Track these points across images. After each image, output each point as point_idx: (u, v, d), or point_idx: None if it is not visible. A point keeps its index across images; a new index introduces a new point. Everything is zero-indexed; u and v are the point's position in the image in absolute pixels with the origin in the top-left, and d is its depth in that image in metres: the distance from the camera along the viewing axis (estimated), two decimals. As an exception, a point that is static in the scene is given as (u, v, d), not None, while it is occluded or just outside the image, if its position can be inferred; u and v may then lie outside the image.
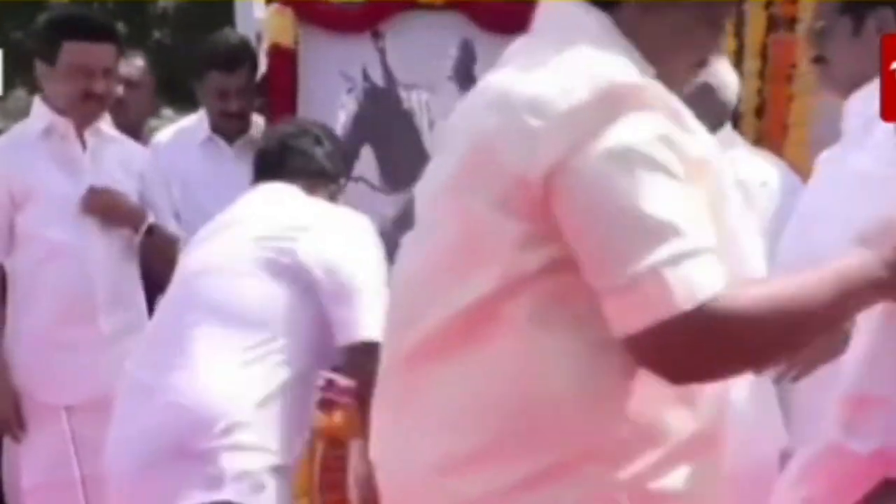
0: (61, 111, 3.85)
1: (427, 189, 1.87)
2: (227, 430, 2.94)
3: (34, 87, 4.43)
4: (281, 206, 3.23)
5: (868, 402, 1.98)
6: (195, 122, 4.54)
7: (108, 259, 3.91)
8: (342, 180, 3.44)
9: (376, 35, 4.40)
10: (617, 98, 1.66)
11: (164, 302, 3.32)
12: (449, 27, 4.38)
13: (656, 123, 1.66)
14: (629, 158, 1.63)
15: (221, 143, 4.46)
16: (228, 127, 4.45)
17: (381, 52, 4.40)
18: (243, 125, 4.46)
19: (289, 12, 4.37)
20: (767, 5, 4.34)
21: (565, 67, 1.70)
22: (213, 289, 3.10)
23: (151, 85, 4.77)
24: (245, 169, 4.38)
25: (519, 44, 1.84)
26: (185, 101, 10.49)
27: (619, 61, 1.71)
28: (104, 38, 3.87)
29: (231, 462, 2.95)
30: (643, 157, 1.64)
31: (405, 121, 4.42)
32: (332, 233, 3.15)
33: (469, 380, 1.73)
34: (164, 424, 2.98)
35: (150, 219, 3.98)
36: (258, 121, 4.48)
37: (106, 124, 3.99)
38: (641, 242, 1.62)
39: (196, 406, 2.96)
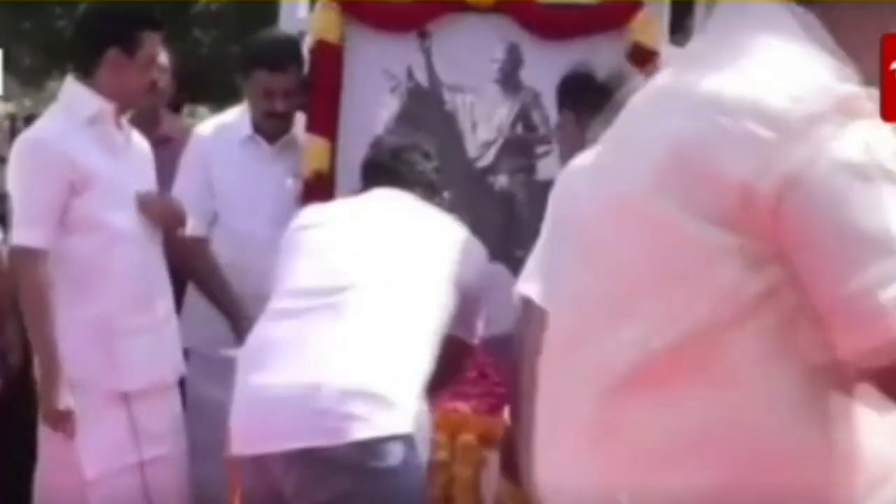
0: (110, 98, 3.85)
1: (589, 202, 1.77)
2: None
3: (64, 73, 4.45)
4: None
5: None
6: (237, 117, 4.51)
7: (157, 243, 3.97)
8: (445, 194, 3.61)
9: (422, 35, 4.34)
10: (848, 108, 1.59)
11: None
12: (496, 30, 4.31)
13: (883, 134, 1.60)
14: (866, 170, 1.56)
15: (262, 142, 4.44)
16: (271, 127, 4.42)
17: (427, 53, 4.35)
18: (286, 125, 4.44)
19: (335, 8, 4.33)
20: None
21: (785, 72, 1.62)
22: None
23: (172, 71, 4.89)
24: (282, 169, 4.39)
25: (702, 43, 1.76)
26: (220, 100, 10.52)
27: (836, 67, 1.64)
28: (161, 29, 3.94)
29: None
30: (880, 168, 1.57)
31: (448, 122, 4.37)
32: None
33: (678, 419, 1.63)
34: None
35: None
36: (299, 118, 4.46)
37: None
38: (890, 255, 1.55)
39: None
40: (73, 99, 3.87)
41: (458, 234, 3.45)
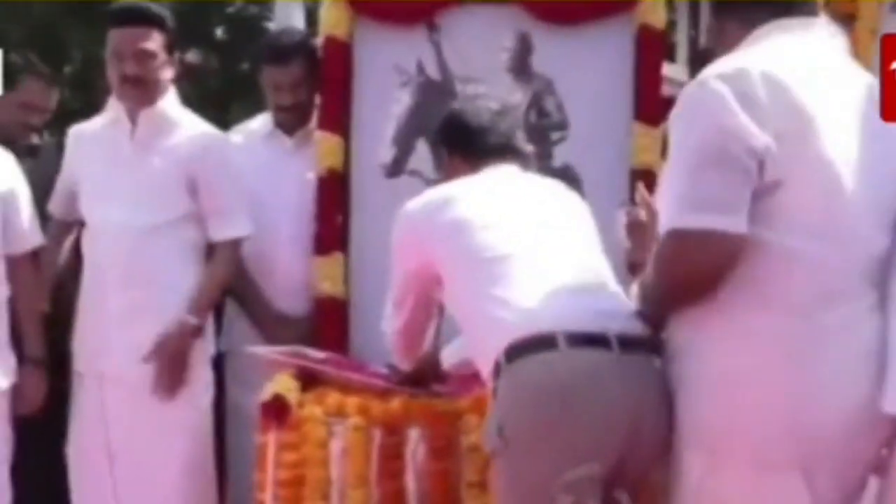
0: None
1: None
2: None
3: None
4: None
5: None
6: (261, 120, 4.64)
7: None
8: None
9: (432, 28, 4.35)
10: None
11: None
12: (505, 19, 4.30)
13: None
14: None
15: (282, 136, 4.54)
16: (285, 120, 4.52)
17: (437, 46, 4.34)
18: (301, 118, 4.50)
19: (344, 5, 4.34)
20: (827, 4, 4.27)
21: None
22: None
23: None
24: (303, 161, 4.42)
25: None
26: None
27: None
28: (138, 23, 4.08)
29: None
30: None
31: (462, 114, 4.36)
32: None
33: None
34: None
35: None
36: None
37: (171, 105, 4.19)
38: None
39: None
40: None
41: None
